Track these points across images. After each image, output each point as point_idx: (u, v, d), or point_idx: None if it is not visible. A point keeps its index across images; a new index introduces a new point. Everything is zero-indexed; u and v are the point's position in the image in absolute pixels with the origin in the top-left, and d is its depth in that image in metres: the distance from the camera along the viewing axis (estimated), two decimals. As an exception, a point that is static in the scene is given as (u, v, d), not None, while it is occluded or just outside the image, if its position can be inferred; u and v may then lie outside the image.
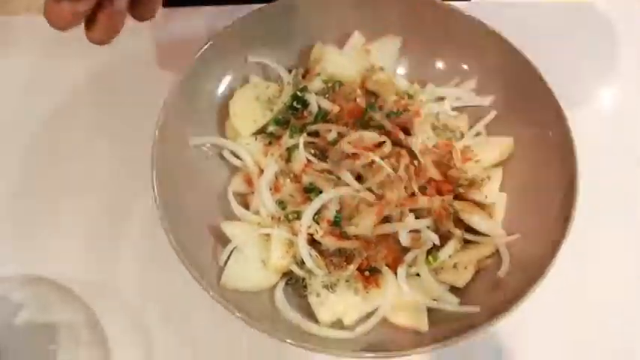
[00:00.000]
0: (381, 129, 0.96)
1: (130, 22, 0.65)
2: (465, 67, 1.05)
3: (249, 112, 1.00)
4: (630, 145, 1.10)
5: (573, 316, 0.93)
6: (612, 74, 1.17)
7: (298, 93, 1.00)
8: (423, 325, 0.84)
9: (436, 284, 0.88)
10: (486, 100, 1.03)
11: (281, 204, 0.93)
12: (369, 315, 0.86)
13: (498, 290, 0.85)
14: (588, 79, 1.16)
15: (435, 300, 0.87)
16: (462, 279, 0.88)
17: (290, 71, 1.05)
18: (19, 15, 1.23)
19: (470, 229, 0.92)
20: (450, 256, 0.89)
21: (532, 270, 0.82)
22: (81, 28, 0.64)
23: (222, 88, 1.02)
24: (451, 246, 0.89)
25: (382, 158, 0.90)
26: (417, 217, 0.89)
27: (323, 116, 0.98)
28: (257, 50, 1.03)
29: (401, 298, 0.86)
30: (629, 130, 1.11)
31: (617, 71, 1.17)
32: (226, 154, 0.98)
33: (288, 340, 0.76)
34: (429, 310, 0.86)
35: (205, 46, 0.95)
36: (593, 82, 1.16)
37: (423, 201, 0.89)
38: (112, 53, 1.08)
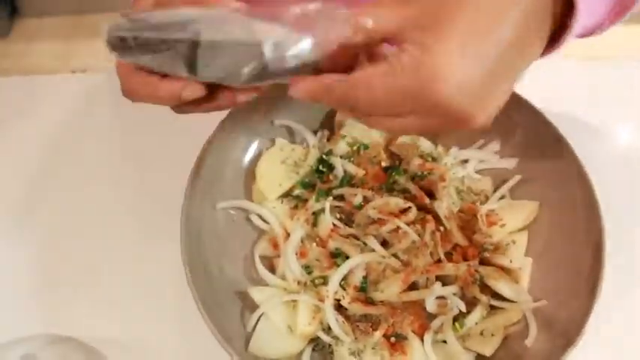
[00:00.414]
0: (405, 193, 0.96)
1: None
2: (489, 129, 1.03)
3: (275, 175, 1.01)
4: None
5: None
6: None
7: (324, 156, 1.01)
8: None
9: (463, 352, 0.87)
10: (511, 163, 1.03)
11: (307, 268, 0.93)
12: (396, 386, 0.85)
13: (527, 358, 0.84)
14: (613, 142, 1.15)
15: (462, 369, 0.86)
16: (489, 347, 0.87)
17: (315, 133, 1.07)
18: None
19: (496, 295, 0.91)
20: (476, 323, 0.89)
21: (562, 337, 0.81)
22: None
23: (249, 152, 1.04)
24: (478, 312, 0.89)
25: (408, 224, 0.90)
26: (443, 284, 0.89)
27: (348, 180, 0.99)
28: (282, 114, 1.05)
29: (427, 366, 0.85)
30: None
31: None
32: (253, 217, 0.99)
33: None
34: (457, 381, 0.85)
35: (229, 111, 0.97)
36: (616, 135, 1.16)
37: (449, 267, 0.89)
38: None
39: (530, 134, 1.00)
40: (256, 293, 0.91)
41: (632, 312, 0.96)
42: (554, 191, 0.96)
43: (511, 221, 0.97)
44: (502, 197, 1.01)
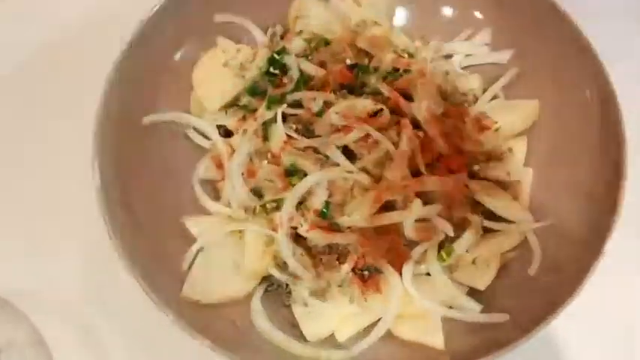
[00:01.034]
0: (376, 95, 0.84)
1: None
2: (478, 14, 0.93)
3: (217, 81, 0.90)
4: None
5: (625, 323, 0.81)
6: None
7: (275, 56, 0.89)
8: (438, 340, 0.72)
9: (452, 286, 0.76)
10: (504, 56, 0.91)
11: (257, 192, 0.81)
12: (368, 329, 0.74)
13: (530, 293, 0.74)
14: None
15: (451, 307, 0.75)
16: (483, 279, 0.77)
17: (265, 31, 0.94)
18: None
19: (490, 215, 0.79)
20: (467, 250, 0.78)
21: (573, 264, 0.70)
22: None
23: (182, 54, 0.90)
24: (468, 236, 0.77)
25: (379, 130, 0.77)
26: (424, 203, 0.76)
27: (306, 82, 0.87)
28: (225, 7, 0.91)
29: (408, 305, 0.74)
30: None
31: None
32: (191, 133, 0.87)
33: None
34: (445, 321, 0.74)
35: (158, 5, 0.82)
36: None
37: (432, 182, 0.76)
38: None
39: (529, 19, 0.86)
40: (194, 225, 0.80)
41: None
42: (558, 87, 0.84)
43: (506, 125, 0.85)
44: (495, 97, 0.89)
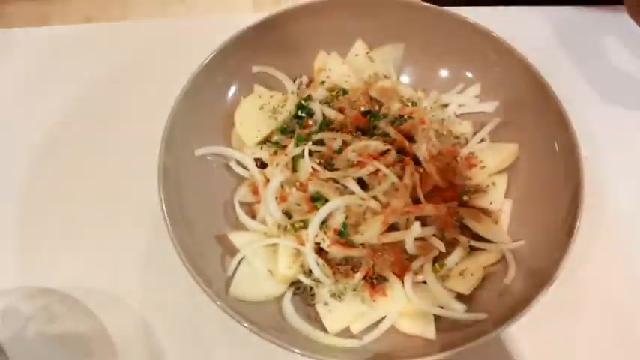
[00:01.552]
0: (385, 137, 0.96)
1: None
2: (469, 74, 1.05)
3: (254, 121, 1.00)
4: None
5: (581, 322, 0.93)
6: (618, 77, 1.16)
7: (302, 102, 1.00)
8: (431, 332, 0.84)
9: (443, 291, 0.87)
10: (490, 107, 1.03)
11: (287, 214, 0.93)
12: (376, 323, 0.86)
13: (505, 297, 0.85)
14: (593, 82, 1.15)
15: (441, 307, 0.87)
16: (468, 286, 0.88)
17: (294, 80, 1.06)
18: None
19: (476, 236, 0.92)
20: (456, 264, 0.90)
21: (539, 276, 0.82)
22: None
23: (227, 98, 1.02)
24: (457, 253, 0.89)
25: (387, 166, 0.90)
26: (423, 225, 0.88)
27: (327, 125, 0.98)
28: (261, 60, 1.04)
29: (408, 305, 0.86)
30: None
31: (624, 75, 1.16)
32: (232, 164, 0.98)
33: (296, 350, 0.76)
34: (437, 318, 0.86)
35: (210, 57, 0.96)
36: (599, 85, 1.15)
37: (428, 208, 0.89)
38: (117, 57, 1.13)
39: (510, 77, 0.99)
40: (236, 237, 0.91)
41: (607, 253, 0.98)
42: (534, 134, 0.97)
43: (491, 163, 0.97)
44: (482, 140, 1.01)
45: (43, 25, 1.21)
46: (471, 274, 0.88)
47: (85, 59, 1.15)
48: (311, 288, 0.88)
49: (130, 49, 1.16)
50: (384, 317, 0.86)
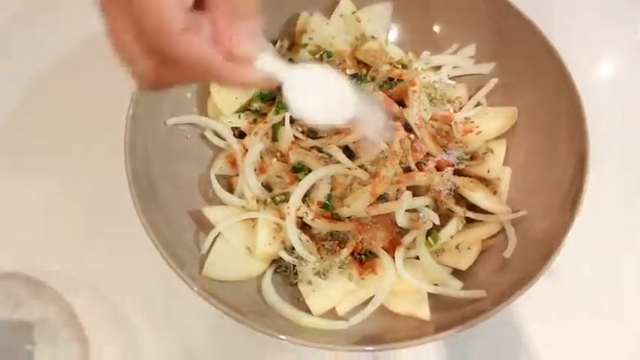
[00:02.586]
0: None
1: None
2: (463, 32, 0.98)
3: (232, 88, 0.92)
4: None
5: (586, 300, 0.87)
6: (622, 37, 1.09)
7: None
8: (424, 312, 0.78)
9: (437, 267, 0.82)
10: (487, 68, 0.96)
11: (267, 187, 0.87)
12: (364, 303, 0.80)
13: (505, 273, 0.79)
14: (597, 42, 1.08)
15: (436, 285, 0.81)
16: (465, 261, 0.82)
17: (274, 43, 0.99)
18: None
19: (472, 207, 0.86)
20: (451, 237, 0.84)
21: (541, 250, 0.76)
22: None
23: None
24: (453, 225, 0.84)
25: None
26: (414, 196, 0.83)
27: None
28: (239, 22, 0.96)
29: (399, 283, 0.80)
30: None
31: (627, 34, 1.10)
32: (208, 134, 0.92)
33: (279, 336, 0.70)
34: (431, 297, 0.80)
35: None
36: (603, 46, 1.09)
37: (420, 177, 0.83)
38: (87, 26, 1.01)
39: (508, 35, 0.93)
40: (212, 213, 0.84)
41: (613, 226, 0.92)
42: (534, 96, 0.90)
43: (488, 128, 0.91)
44: (478, 104, 0.95)
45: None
46: (468, 249, 0.83)
47: (57, 24, 1.09)
48: (294, 266, 0.83)
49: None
50: (373, 297, 0.80)
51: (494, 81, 0.95)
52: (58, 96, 1.02)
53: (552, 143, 0.87)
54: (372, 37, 0.99)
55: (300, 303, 0.80)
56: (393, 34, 1.02)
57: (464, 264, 0.82)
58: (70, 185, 0.95)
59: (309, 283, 0.80)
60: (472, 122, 0.92)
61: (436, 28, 1.00)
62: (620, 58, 1.08)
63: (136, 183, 0.78)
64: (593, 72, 1.02)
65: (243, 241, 0.83)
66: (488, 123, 0.92)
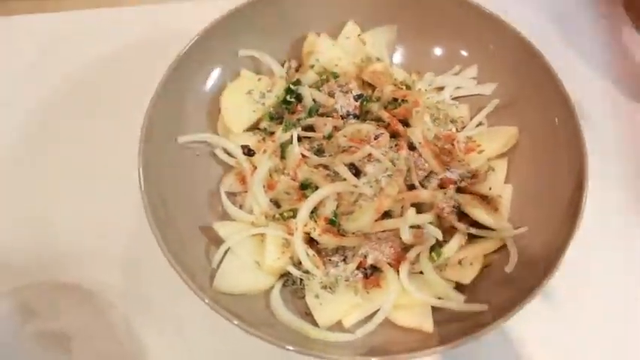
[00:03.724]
0: (378, 121, 0.92)
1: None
2: (465, 53, 1.01)
3: (241, 107, 0.96)
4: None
5: (586, 312, 0.89)
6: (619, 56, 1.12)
7: (291, 86, 0.96)
8: (428, 325, 0.80)
9: (441, 282, 0.83)
10: (488, 89, 0.99)
11: (276, 203, 0.89)
12: (370, 316, 0.82)
13: (506, 287, 0.81)
14: (593, 64, 1.11)
15: (439, 298, 0.82)
16: (467, 276, 0.84)
17: (282, 64, 1.02)
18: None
19: (475, 223, 0.88)
20: (454, 252, 0.85)
21: (541, 265, 0.78)
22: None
23: (211, 84, 0.98)
24: (455, 241, 0.85)
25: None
26: (418, 212, 0.84)
27: (317, 110, 0.94)
28: (248, 43, 0.99)
29: (404, 297, 0.82)
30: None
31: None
32: (218, 151, 0.94)
33: (287, 347, 0.72)
34: (434, 310, 0.82)
35: (192, 41, 0.92)
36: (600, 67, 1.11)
37: (424, 195, 0.85)
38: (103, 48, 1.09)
39: (508, 56, 0.96)
40: (222, 228, 0.86)
41: (612, 239, 0.94)
42: (534, 115, 0.93)
43: (490, 147, 0.93)
44: (480, 124, 0.97)
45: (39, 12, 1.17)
46: (470, 264, 0.85)
47: (72, 48, 1.12)
48: (301, 280, 0.84)
49: (117, 35, 1.13)
50: (378, 310, 0.81)
51: (495, 102, 0.97)
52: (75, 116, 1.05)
53: (552, 161, 0.89)
54: (377, 58, 1.01)
55: (308, 316, 0.82)
56: (398, 55, 1.05)
57: (466, 279, 0.84)
58: (85, 198, 0.96)
59: (317, 296, 0.82)
60: (474, 141, 0.94)
61: (439, 50, 1.03)
62: (615, 77, 1.10)
63: (150, 197, 0.80)
64: (590, 91, 1.04)
65: (252, 255, 0.84)
66: (490, 142, 0.94)
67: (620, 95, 1.08)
